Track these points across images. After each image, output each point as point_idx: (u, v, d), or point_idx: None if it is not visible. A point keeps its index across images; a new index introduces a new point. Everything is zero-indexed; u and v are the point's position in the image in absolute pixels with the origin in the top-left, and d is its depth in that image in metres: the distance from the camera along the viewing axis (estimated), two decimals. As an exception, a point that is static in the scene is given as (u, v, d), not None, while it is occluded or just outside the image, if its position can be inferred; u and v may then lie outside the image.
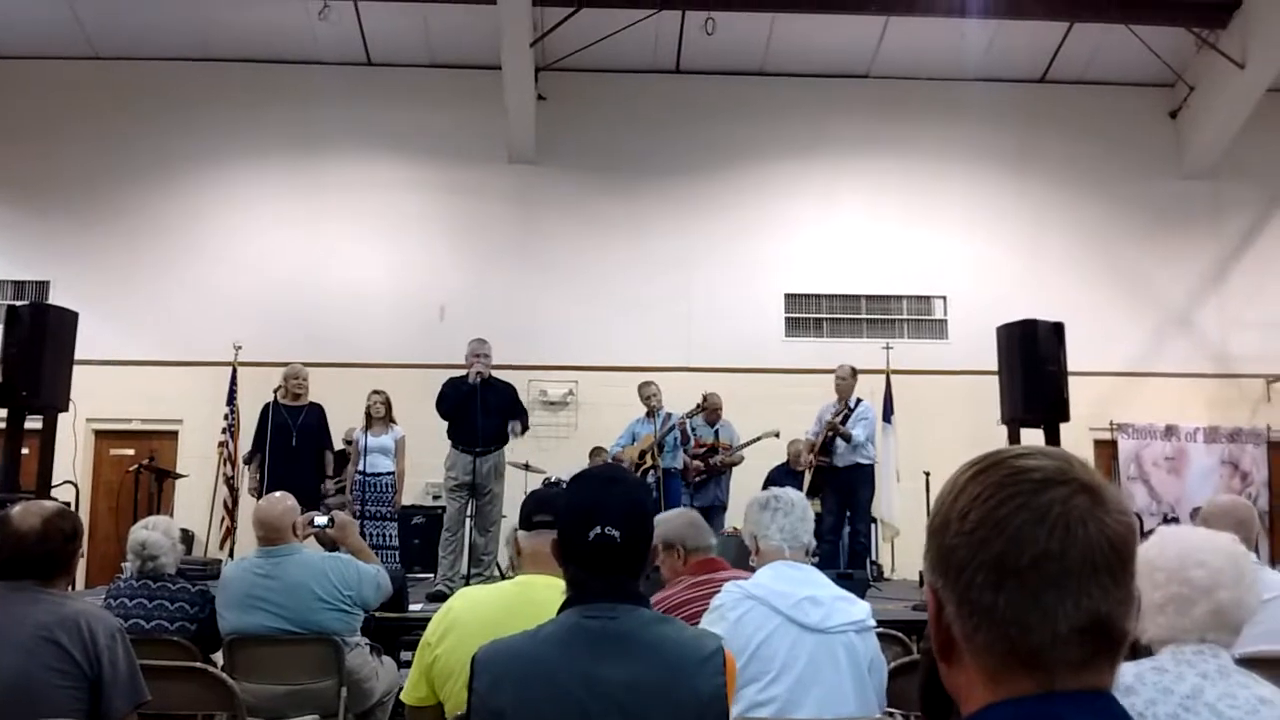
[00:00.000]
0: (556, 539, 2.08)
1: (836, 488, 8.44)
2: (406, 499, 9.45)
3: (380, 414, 8.82)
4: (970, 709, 0.97)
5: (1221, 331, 12.19)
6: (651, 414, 8.74)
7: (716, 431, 9.21)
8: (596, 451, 9.81)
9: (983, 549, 0.96)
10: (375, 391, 8.92)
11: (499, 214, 12.06)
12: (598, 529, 1.96)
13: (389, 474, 8.76)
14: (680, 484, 8.75)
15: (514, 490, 9.68)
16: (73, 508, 3.15)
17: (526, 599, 2.62)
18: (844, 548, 8.64)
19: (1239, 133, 11.88)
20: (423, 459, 9.20)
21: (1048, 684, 0.94)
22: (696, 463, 8.84)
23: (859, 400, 8.61)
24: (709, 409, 9.09)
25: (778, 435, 9.38)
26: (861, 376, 9.00)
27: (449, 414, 7.44)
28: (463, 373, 7.52)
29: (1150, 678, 1.87)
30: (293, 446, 8.32)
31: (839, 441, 8.40)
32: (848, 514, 8.51)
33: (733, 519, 8.75)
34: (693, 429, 8.96)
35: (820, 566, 3.03)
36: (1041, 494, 0.96)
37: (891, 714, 2.92)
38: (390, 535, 8.77)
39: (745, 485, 8.25)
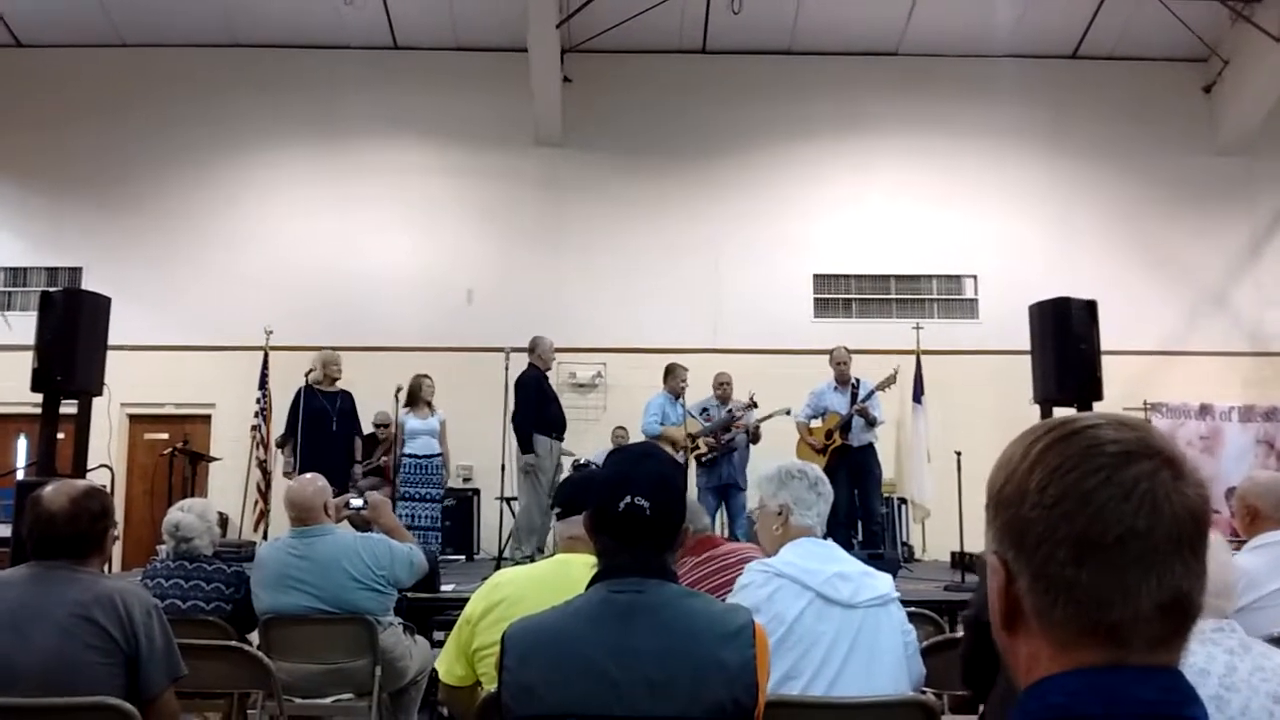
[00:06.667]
0: (589, 512, 2.09)
1: (851, 468, 8.46)
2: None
3: (430, 396, 8.94)
4: (1033, 678, 0.96)
5: (1257, 309, 12.02)
6: (678, 396, 8.75)
7: (730, 411, 9.17)
8: (619, 431, 9.83)
9: (1065, 523, 0.93)
10: (424, 375, 8.96)
11: (526, 197, 12.05)
12: (628, 498, 1.99)
13: (437, 455, 8.81)
14: (696, 462, 8.81)
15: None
16: (108, 490, 3.16)
17: (568, 575, 2.61)
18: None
19: (1274, 107, 11.69)
20: (449, 441, 9.25)
21: (1120, 658, 0.92)
22: (708, 439, 8.83)
23: (858, 379, 8.70)
24: (720, 386, 9.02)
25: (789, 413, 9.28)
26: (892, 356, 8.90)
27: (539, 402, 8.15)
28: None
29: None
30: (328, 431, 8.39)
31: (855, 420, 8.52)
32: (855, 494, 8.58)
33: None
34: (716, 411, 8.92)
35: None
36: (1126, 468, 0.94)
37: (925, 693, 2.91)
38: (435, 517, 8.81)
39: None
